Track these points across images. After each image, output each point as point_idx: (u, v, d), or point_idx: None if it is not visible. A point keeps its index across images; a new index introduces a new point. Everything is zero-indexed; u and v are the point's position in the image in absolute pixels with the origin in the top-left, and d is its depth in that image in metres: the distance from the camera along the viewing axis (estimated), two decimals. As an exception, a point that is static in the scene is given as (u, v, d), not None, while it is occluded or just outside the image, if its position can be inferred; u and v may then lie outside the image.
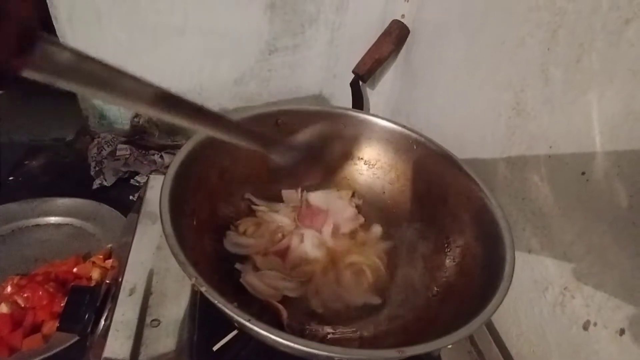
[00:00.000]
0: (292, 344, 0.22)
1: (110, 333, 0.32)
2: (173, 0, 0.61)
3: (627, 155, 0.34)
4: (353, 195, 0.48)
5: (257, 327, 0.22)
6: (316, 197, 0.46)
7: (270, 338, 0.22)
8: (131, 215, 0.51)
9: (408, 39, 0.72)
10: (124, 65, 0.20)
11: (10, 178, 0.63)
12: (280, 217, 0.42)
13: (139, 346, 0.32)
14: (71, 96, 0.73)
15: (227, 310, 0.23)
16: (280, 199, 0.45)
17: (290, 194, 0.46)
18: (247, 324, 0.22)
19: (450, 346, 0.25)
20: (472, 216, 0.38)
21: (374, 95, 0.80)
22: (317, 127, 0.36)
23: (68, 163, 0.69)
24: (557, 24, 0.39)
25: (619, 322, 0.34)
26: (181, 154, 0.33)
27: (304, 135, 0.35)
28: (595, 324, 0.36)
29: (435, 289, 0.37)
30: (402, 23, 0.71)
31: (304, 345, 0.22)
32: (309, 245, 0.39)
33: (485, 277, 0.33)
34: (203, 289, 0.24)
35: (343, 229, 0.43)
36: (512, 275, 0.31)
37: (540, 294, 0.41)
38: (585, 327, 0.37)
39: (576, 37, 0.37)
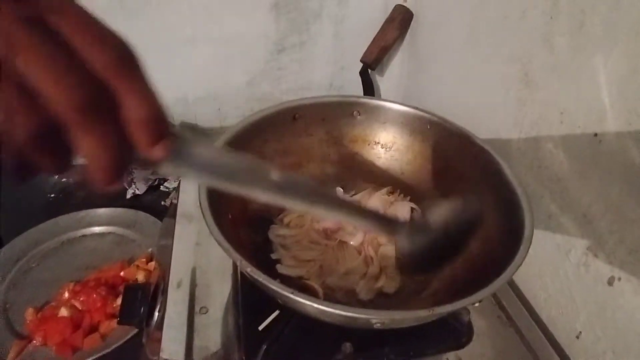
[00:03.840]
0: (331, 310, 0.24)
1: (165, 323, 0.36)
2: (182, 15, 0.64)
3: (636, 113, 0.35)
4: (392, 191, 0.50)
5: (300, 297, 0.25)
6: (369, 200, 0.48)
7: (312, 307, 0.25)
8: (166, 219, 0.54)
9: (412, 22, 0.73)
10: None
11: (52, 195, 0.68)
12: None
13: (192, 332, 0.35)
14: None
15: (271, 286, 0.26)
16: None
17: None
18: (291, 295, 0.25)
19: (477, 304, 0.27)
20: (489, 187, 0.40)
21: (384, 81, 0.81)
22: (457, 204, 0.31)
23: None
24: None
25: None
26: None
27: (440, 212, 0.30)
28: (619, 279, 0.37)
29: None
30: (405, 7, 0.72)
31: (342, 310, 0.24)
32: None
33: (506, 242, 0.35)
34: (248, 270, 0.26)
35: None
36: (532, 237, 0.33)
37: (564, 256, 0.43)
38: (610, 282, 0.38)
39: (577, 3, 0.38)
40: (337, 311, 0.24)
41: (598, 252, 0.39)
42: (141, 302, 0.37)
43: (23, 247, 0.55)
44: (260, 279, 0.26)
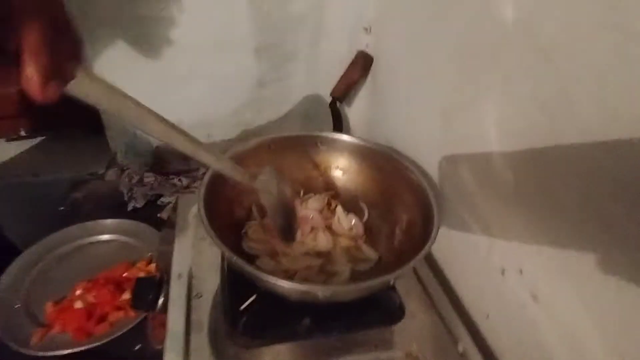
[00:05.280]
0: (288, 284, 0.37)
1: (170, 304, 0.47)
2: (180, 57, 0.76)
3: (516, 144, 0.45)
4: (333, 196, 0.63)
5: (266, 276, 0.37)
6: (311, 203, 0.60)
7: (275, 283, 0.37)
8: (165, 229, 0.66)
9: (373, 65, 0.87)
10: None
11: (61, 208, 0.78)
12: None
13: (190, 311, 0.47)
14: (100, 137, 0.89)
15: (250, 270, 0.38)
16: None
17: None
18: (260, 275, 0.37)
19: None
20: (413, 198, 0.53)
21: (351, 112, 0.95)
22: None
23: (104, 192, 0.84)
24: (461, 59, 0.53)
25: (520, 263, 0.45)
26: (206, 177, 0.48)
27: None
28: (507, 270, 0.47)
29: (391, 249, 0.52)
30: (366, 52, 0.86)
31: (297, 284, 0.37)
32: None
33: (423, 234, 0.47)
34: (234, 259, 0.38)
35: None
36: (439, 227, 0.46)
37: (475, 253, 0.52)
38: (503, 272, 0.47)
39: (478, 65, 0.51)
40: (292, 285, 0.37)
41: (494, 249, 0.49)
42: (151, 290, 0.48)
43: (41, 252, 0.65)
44: (243, 266, 0.38)
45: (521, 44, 0.42)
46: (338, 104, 0.88)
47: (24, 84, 0.23)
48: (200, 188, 0.47)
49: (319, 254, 0.54)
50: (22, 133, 0.91)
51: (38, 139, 0.95)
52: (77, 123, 0.94)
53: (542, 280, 0.42)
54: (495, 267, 0.48)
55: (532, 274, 0.44)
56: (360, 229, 0.58)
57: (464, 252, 0.55)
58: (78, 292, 0.61)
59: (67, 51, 0.25)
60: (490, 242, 0.49)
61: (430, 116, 0.61)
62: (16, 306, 0.58)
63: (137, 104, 0.31)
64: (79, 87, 0.27)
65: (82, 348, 0.54)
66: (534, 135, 0.40)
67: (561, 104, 0.37)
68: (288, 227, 0.51)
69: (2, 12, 0.22)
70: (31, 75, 0.23)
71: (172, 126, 0.34)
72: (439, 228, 0.46)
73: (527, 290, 0.43)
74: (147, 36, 0.73)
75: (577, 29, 0.35)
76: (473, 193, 0.52)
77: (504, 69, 0.45)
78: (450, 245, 0.57)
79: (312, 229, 0.56)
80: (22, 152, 0.91)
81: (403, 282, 0.53)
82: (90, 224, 0.70)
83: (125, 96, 0.30)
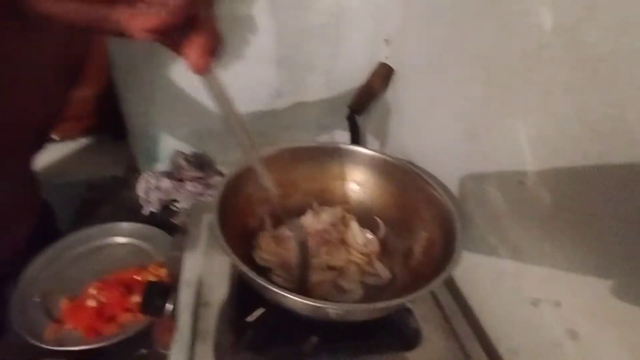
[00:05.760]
0: (297, 299, 0.36)
1: (178, 312, 0.47)
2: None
3: (550, 166, 0.42)
4: (348, 210, 0.62)
5: (275, 288, 0.36)
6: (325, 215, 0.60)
7: (289, 298, 0.36)
8: (177, 236, 0.66)
9: (393, 76, 0.86)
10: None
11: (79, 209, 0.80)
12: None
13: (197, 320, 0.46)
14: (121, 142, 0.90)
15: (261, 283, 0.37)
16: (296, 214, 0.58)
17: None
18: (269, 287, 0.36)
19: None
20: (433, 214, 0.51)
21: (369, 125, 0.94)
22: None
23: (122, 195, 0.85)
24: (488, 73, 0.52)
25: (556, 295, 0.42)
26: (221, 187, 0.48)
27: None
28: (540, 300, 0.43)
29: (408, 269, 0.51)
30: (387, 64, 0.85)
31: (308, 301, 0.36)
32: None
33: (444, 255, 0.45)
34: (244, 269, 0.38)
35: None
36: (461, 249, 0.43)
37: (499, 279, 0.50)
38: (535, 304, 0.44)
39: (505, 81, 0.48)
40: (304, 301, 0.36)
41: (525, 275, 0.46)
42: (160, 295, 0.48)
43: (59, 251, 0.67)
44: (252, 276, 0.38)
45: (562, 55, 0.39)
46: (356, 116, 0.88)
47: (192, 58, 0.31)
48: (216, 197, 0.47)
49: (331, 268, 0.53)
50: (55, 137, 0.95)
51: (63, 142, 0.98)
52: (106, 128, 0.97)
53: (583, 316, 0.38)
54: (527, 297, 0.45)
55: (572, 308, 0.40)
56: (375, 245, 0.57)
57: (490, 278, 0.52)
58: (91, 291, 0.61)
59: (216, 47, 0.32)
60: (521, 269, 0.46)
61: (453, 131, 0.59)
62: (35, 299, 0.59)
63: (233, 106, 0.38)
64: (209, 81, 0.34)
65: (92, 346, 0.55)
66: (577, 156, 0.38)
67: (611, 122, 0.34)
68: (302, 278, 0.50)
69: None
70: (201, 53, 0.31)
71: (247, 130, 0.40)
72: (461, 249, 0.44)
73: (565, 327, 0.40)
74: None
75: (628, 37, 0.32)
76: (501, 214, 0.50)
77: (541, 83, 0.42)
78: (474, 270, 0.54)
79: (326, 242, 0.55)
80: (46, 154, 0.93)
81: (420, 306, 0.50)
82: (107, 226, 0.71)
83: (229, 97, 0.37)
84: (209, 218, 0.59)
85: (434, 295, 0.53)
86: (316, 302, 0.37)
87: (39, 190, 0.68)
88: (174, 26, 0.28)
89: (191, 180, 0.86)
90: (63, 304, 0.60)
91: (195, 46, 0.30)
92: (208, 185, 0.85)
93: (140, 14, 0.27)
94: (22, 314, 0.57)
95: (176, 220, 0.80)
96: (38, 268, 0.64)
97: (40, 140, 0.64)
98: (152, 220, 0.78)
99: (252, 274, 0.39)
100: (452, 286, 0.57)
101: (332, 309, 0.38)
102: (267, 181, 0.42)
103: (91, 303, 0.59)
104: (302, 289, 0.49)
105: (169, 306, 0.49)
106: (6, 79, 0.47)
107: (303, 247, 0.48)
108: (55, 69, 0.55)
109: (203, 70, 0.32)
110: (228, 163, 0.93)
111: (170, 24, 0.27)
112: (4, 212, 0.59)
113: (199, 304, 0.48)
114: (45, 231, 0.70)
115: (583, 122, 0.37)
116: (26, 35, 0.46)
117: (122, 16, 0.27)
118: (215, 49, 0.32)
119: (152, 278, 0.65)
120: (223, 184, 0.48)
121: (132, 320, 0.59)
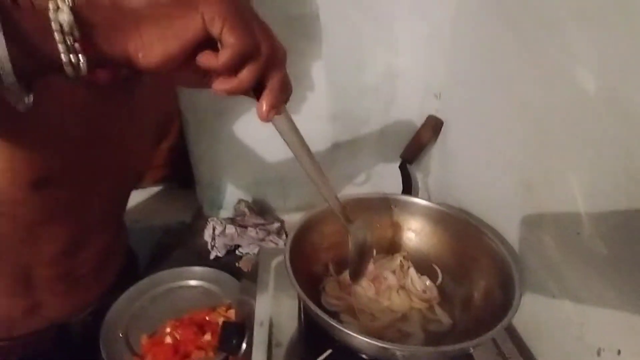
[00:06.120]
0: (371, 341, 0.39)
1: (253, 352, 0.51)
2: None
3: (603, 219, 0.45)
4: (405, 257, 0.64)
5: (342, 327, 0.39)
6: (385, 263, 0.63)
7: (357, 338, 0.39)
8: (244, 281, 0.71)
9: (442, 128, 0.90)
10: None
11: (154, 253, 0.88)
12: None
13: (270, 358, 0.50)
14: (190, 189, 1.00)
15: (330, 322, 0.41)
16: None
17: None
18: (343, 328, 0.40)
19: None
20: (490, 263, 0.53)
21: (420, 173, 0.98)
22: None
23: (190, 239, 0.93)
24: (539, 125, 0.55)
25: (617, 344, 0.43)
26: (291, 236, 0.54)
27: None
28: (603, 350, 0.44)
29: (468, 315, 0.52)
30: (436, 117, 0.90)
31: (378, 342, 0.39)
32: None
33: (503, 302, 0.47)
34: (318, 312, 0.42)
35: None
36: (520, 297, 0.45)
37: (566, 329, 0.50)
38: (599, 353, 0.45)
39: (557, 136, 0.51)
40: (369, 341, 0.39)
41: (589, 327, 0.47)
42: (236, 334, 0.53)
43: (138, 292, 0.74)
44: (324, 317, 0.41)
45: (607, 112, 0.42)
46: (408, 165, 0.92)
47: (259, 109, 0.35)
48: (287, 244, 0.52)
49: (392, 314, 0.55)
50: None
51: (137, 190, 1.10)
52: (175, 177, 1.08)
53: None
54: (591, 346, 0.45)
55: (633, 357, 0.41)
56: (434, 292, 0.59)
57: (553, 326, 0.53)
58: (168, 329, 0.67)
59: (286, 91, 0.36)
60: (584, 318, 0.47)
61: (506, 181, 0.62)
62: (120, 335, 0.66)
63: (304, 143, 0.41)
64: (280, 122, 0.37)
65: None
66: (628, 206, 0.40)
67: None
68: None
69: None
70: (266, 106, 0.34)
71: (318, 166, 0.45)
72: (521, 297, 0.45)
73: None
74: (233, 103, 0.84)
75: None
76: (559, 262, 0.51)
77: (589, 137, 0.45)
78: (536, 319, 0.55)
79: (387, 288, 0.58)
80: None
81: (482, 353, 0.51)
82: (180, 269, 0.78)
83: (300, 136, 0.41)
84: (277, 264, 0.64)
85: (494, 341, 0.54)
86: (384, 344, 0.40)
87: (127, 237, 0.77)
88: (244, 92, 0.34)
89: (253, 227, 0.92)
90: (143, 340, 0.66)
91: (267, 92, 0.34)
92: (268, 232, 0.91)
93: (221, 81, 0.33)
94: (111, 349, 0.64)
95: (240, 265, 0.86)
96: (122, 306, 0.71)
97: (132, 190, 0.74)
98: (217, 264, 0.84)
99: (322, 314, 0.42)
100: (513, 334, 0.57)
101: (399, 351, 0.40)
102: (338, 208, 0.49)
103: (168, 340, 0.65)
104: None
105: (244, 345, 0.53)
106: (120, 135, 0.57)
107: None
108: (151, 124, 0.65)
109: (275, 111, 0.35)
110: (287, 210, 0.99)
111: (241, 91, 0.33)
112: (101, 258, 0.67)
113: (272, 343, 0.52)
114: (129, 273, 0.77)
115: (629, 174, 0.39)
116: (131, 95, 0.56)
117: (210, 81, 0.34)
118: (285, 93, 0.35)
119: (221, 319, 0.69)
120: (292, 234, 0.53)
121: (204, 358, 0.63)
